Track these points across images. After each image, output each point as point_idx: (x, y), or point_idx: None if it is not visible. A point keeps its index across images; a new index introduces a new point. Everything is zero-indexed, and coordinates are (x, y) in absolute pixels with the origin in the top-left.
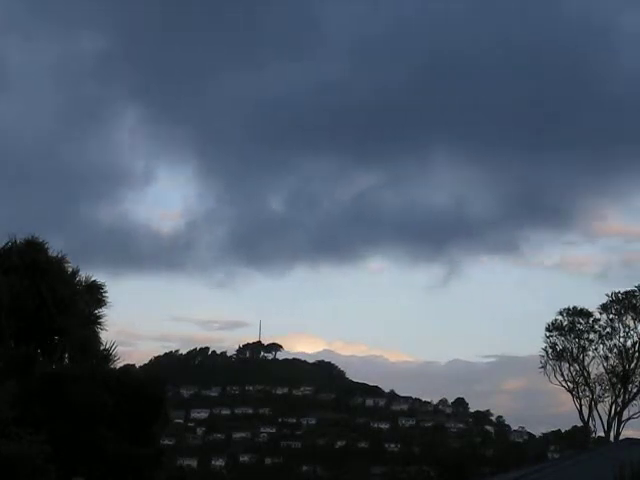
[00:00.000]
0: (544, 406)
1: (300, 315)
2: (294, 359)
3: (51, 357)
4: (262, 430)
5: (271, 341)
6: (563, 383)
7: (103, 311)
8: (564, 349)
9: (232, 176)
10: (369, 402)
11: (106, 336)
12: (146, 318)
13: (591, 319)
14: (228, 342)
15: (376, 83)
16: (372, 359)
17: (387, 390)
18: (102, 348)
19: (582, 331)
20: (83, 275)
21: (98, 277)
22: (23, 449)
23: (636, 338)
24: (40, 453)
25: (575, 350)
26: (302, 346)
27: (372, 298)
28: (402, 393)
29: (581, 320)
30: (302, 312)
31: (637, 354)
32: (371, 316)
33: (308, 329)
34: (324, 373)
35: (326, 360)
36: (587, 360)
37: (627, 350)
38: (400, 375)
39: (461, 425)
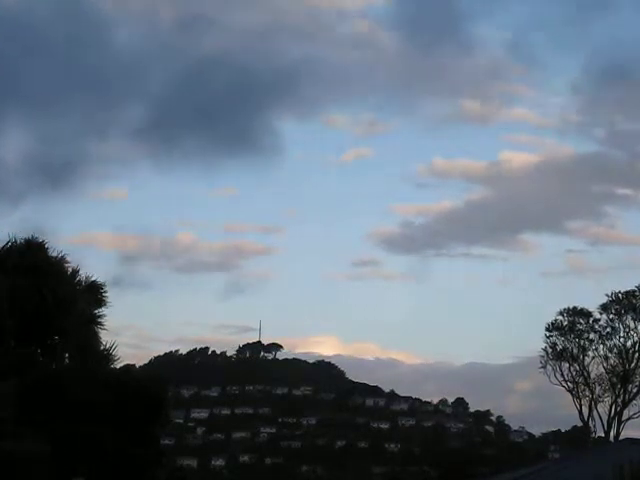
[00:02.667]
0: (556, 406)
1: (315, 316)
2: (294, 359)
3: (51, 357)
4: (262, 430)
5: (291, 342)
6: (563, 383)
7: (103, 311)
8: (564, 349)
9: None
10: (369, 402)
11: (121, 340)
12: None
13: (591, 319)
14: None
15: None
16: (389, 361)
17: (387, 390)
18: (102, 348)
19: (582, 331)
20: (83, 275)
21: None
22: (23, 449)
23: (636, 338)
24: (40, 453)
25: (575, 350)
26: (317, 347)
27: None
28: (404, 393)
29: (581, 320)
30: (317, 313)
31: (637, 354)
32: (383, 317)
33: (323, 330)
34: (324, 373)
35: (326, 361)
36: (587, 360)
37: (627, 350)
38: (415, 377)
39: (461, 425)
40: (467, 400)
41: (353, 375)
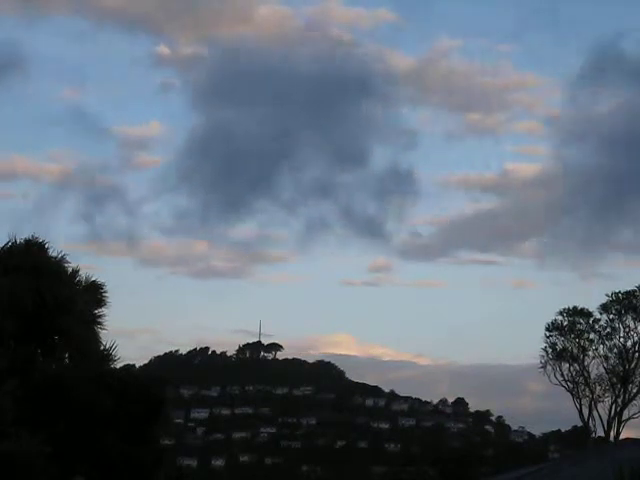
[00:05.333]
0: (556, 407)
1: (326, 319)
2: (294, 359)
3: (51, 357)
4: (262, 430)
5: (303, 344)
6: (563, 383)
7: (103, 311)
8: (564, 349)
9: None
10: (369, 402)
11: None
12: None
13: (591, 319)
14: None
15: None
16: (402, 363)
17: (387, 390)
18: (102, 348)
19: (582, 331)
20: (83, 275)
21: None
22: (23, 449)
23: (636, 338)
24: (40, 452)
25: (575, 350)
26: (330, 349)
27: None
28: (402, 393)
29: (581, 320)
30: (331, 316)
31: (637, 354)
32: (394, 320)
33: (338, 331)
34: (324, 373)
35: (326, 361)
36: (587, 360)
37: (627, 350)
38: (429, 378)
39: (461, 425)
40: (472, 400)
41: (365, 377)
